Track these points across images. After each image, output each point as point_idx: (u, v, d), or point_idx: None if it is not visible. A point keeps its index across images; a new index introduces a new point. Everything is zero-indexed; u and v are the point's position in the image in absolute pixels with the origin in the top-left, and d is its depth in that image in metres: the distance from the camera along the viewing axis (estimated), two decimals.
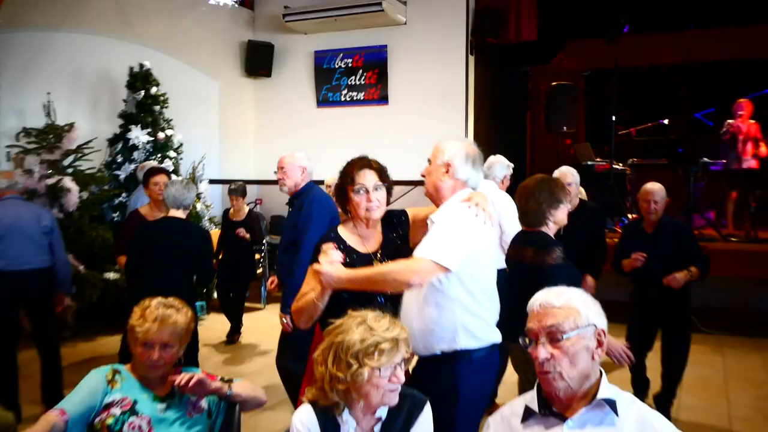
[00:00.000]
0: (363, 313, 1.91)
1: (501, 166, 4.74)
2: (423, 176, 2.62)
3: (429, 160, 2.59)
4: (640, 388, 4.52)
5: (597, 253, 4.69)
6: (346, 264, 2.35)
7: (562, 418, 1.69)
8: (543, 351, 1.68)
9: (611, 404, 1.67)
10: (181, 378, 2.16)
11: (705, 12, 9.35)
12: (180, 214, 4.22)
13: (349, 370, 1.82)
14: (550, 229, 3.25)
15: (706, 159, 7.46)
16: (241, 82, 9.63)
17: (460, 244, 2.32)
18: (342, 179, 2.59)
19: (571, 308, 1.71)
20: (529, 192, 3.22)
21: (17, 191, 4.62)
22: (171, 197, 4.18)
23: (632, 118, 9.63)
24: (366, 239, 2.56)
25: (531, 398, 1.79)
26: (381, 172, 2.58)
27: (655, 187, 4.40)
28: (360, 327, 1.85)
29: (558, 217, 3.24)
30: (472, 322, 2.39)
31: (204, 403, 2.30)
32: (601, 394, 1.68)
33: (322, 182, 5.50)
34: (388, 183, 2.59)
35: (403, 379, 1.89)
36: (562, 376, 1.66)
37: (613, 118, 7.53)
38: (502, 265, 3.52)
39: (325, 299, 2.34)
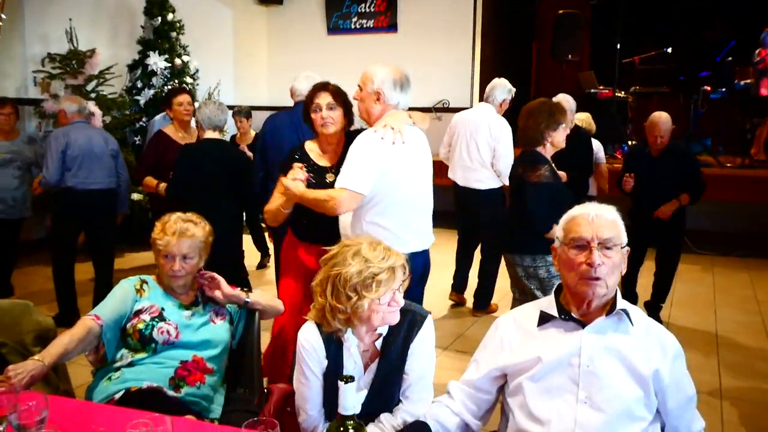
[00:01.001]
0: (357, 242, 1.85)
1: (501, 89, 4.65)
2: (356, 99, 2.75)
3: (359, 86, 2.70)
4: (629, 300, 4.56)
5: (584, 175, 4.88)
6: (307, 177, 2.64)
7: (582, 324, 1.72)
8: (598, 257, 1.69)
9: (627, 314, 1.72)
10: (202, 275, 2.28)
11: None
12: (216, 135, 4.00)
13: (349, 302, 1.79)
14: (547, 150, 3.28)
15: (706, 87, 7.27)
16: (253, 10, 9.35)
17: (369, 169, 2.52)
18: (305, 100, 2.84)
19: (617, 223, 1.75)
20: (530, 112, 3.27)
21: (84, 116, 4.64)
22: (206, 118, 3.95)
23: (637, 47, 9.35)
24: (325, 153, 2.80)
25: (547, 304, 1.80)
26: (336, 93, 2.77)
27: (661, 119, 4.32)
28: (356, 258, 1.79)
29: (556, 139, 3.27)
30: (380, 233, 2.52)
31: (226, 311, 2.34)
32: (619, 305, 1.73)
33: None
34: (345, 104, 2.77)
35: (402, 301, 1.86)
36: (606, 284, 1.70)
37: (618, 46, 7.31)
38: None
39: (289, 208, 2.66)
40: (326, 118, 2.73)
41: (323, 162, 2.80)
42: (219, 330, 2.28)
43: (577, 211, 1.78)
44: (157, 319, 2.20)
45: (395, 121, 2.59)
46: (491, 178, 4.60)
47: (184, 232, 2.24)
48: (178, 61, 6.97)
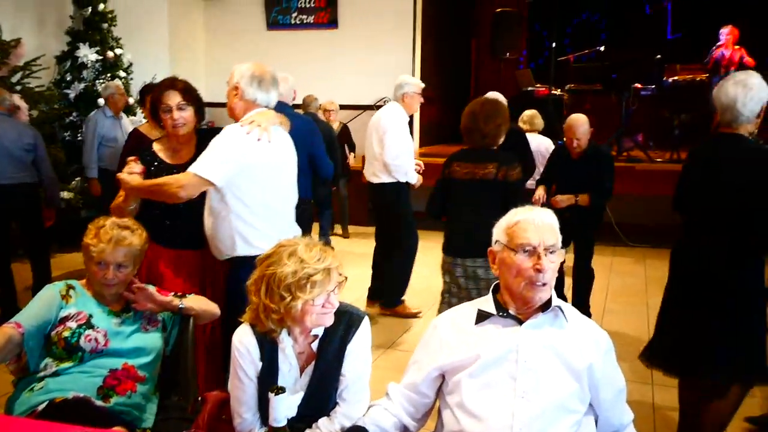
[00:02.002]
0: (294, 242, 1.82)
1: (400, 85, 4.64)
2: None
3: (228, 84, 2.71)
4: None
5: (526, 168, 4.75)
6: (150, 172, 2.63)
7: (519, 321, 1.76)
8: (546, 262, 1.72)
9: (562, 311, 1.78)
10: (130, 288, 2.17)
11: None
12: None
13: (283, 302, 1.76)
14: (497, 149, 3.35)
15: (638, 84, 7.52)
16: (190, 2, 9.10)
17: (226, 160, 2.48)
18: (152, 99, 2.77)
19: (556, 227, 1.79)
20: (487, 114, 3.28)
21: (5, 108, 4.41)
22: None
23: (572, 45, 9.59)
24: (176, 152, 2.74)
25: (484, 303, 1.83)
26: (186, 92, 2.71)
27: (577, 122, 4.31)
28: (291, 258, 1.77)
29: (502, 139, 3.36)
30: (249, 231, 2.55)
31: (159, 318, 2.25)
32: (554, 303, 1.78)
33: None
34: (196, 102, 2.72)
35: (336, 304, 1.85)
36: (550, 286, 1.75)
37: (553, 44, 7.46)
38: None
39: (131, 203, 2.62)
40: (177, 120, 2.67)
41: (176, 161, 2.74)
42: (151, 337, 2.20)
43: (520, 215, 1.80)
44: (84, 327, 2.10)
45: (263, 119, 2.60)
46: (382, 171, 4.62)
47: (120, 240, 2.14)
48: (110, 53, 6.72)
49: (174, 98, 2.66)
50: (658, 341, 2.89)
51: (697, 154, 2.86)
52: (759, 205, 2.51)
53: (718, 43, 7.49)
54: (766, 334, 2.63)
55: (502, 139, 3.36)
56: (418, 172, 4.82)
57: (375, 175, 4.69)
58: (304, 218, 4.44)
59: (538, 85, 8.11)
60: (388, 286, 4.83)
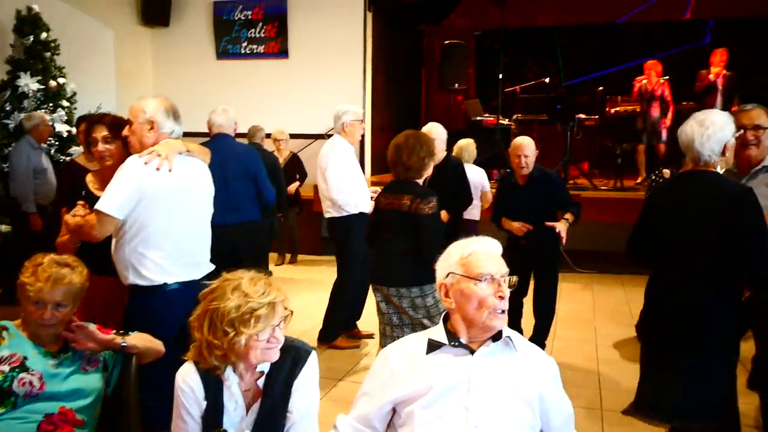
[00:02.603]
0: (237, 277, 1.80)
1: (339, 115, 4.61)
2: (125, 135, 2.73)
3: (130, 121, 2.71)
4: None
5: (462, 200, 4.77)
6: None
7: (471, 350, 1.77)
8: (506, 289, 1.76)
9: (511, 340, 1.81)
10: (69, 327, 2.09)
11: None
12: None
13: (226, 338, 1.72)
14: (421, 180, 3.41)
15: (582, 115, 7.77)
16: (137, 31, 9.00)
17: (124, 193, 2.51)
18: (84, 131, 2.92)
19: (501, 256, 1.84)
20: (410, 148, 3.31)
21: None
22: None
23: (518, 77, 9.86)
24: (105, 184, 2.68)
25: (435, 332, 1.84)
26: (113, 126, 2.78)
27: (524, 142, 4.29)
28: (235, 293, 1.74)
29: (429, 171, 3.43)
30: (140, 261, 2.57)
31: (99, 357, 2.17)
32: (505, 332, 1.80)
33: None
34: (123, 137, 2.74)
35: (281, 339, 1.82)
36: (506, 314, 1.78)
37: (500, 76, 7.66)
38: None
39: (75, 242, 2.68)
40: (103, 152, 2.77)
41: (101, 194, 2.73)
42: (90, 378, 2.11)
43: (471, 246, 1.83)
44: (17, 370, 2.00)
45: (164, 148, 2.61)
46: (330, 206, 4.58)
47: (60, 279, 2.05)
48: (52, 83, 6.56)
49: (100, 132, 2.76)
50: (645, 389, 2.75)
51: (661, 191, 2.83)
52: (741, 245, 2.45)
53: (640, 76, 7.82)
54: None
55: (427, 172, 3.39)
56: (373, 198, 4.82)
57: (326, 210, 4.67)
58: (253, 239, 4.49)
59: (486, 115, 8.29)
60: (327, 317, 4.74)
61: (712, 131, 2.51)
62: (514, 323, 4.48)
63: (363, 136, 8.73)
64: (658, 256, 2.70)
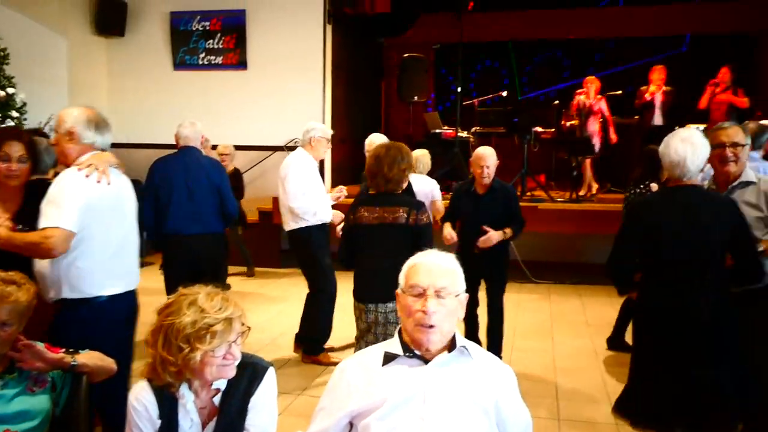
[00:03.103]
0: (194, 292, 1.77)
1: (306, 130, 4.65)
2: (53, 144, 2.73)
3: (56, 130, 2.69)
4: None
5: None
6: None
7: (425, 361, 1.77)
8: (433, 304, 1.73)
9: (467, 350, 1.81)
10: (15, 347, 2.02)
11: None
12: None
13: (180, 354, 1.70)
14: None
15: (538, 128, 7.91)
16: (91, 41, 8.81)
17: (75, 207, 2.49)
18: None
19: (455, 271, 1.81)
20: (392, 159, 3.30)
21: None
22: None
23: (476, 90, 10.01)
24: (3, 202, 2.66)
25: (391, 345, 1.83)
26: (30, 146, 2.69)
27: (487, 152, 4.37)
28: (191, 308, 1.72)
29: (406, 183, 3.43)
30: (78, 275, 2.54)
31: (47, 377, 2.10)
32: (459, 342, 1.80)
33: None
34: (35, 158, 2.72)
35: (238, 355, 1.80)
36: (441, 331, 1.75)
37: (459, 89, 7.75)
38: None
39: None
40: (14, 170, 2.64)
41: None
42: (38, 399, 2.04)
43: (418, 258, 1.84)
44: None
45: (100, 161, 2.62)
46: (292, 219, 4.58)
47: (5, 297, 1.99)
48: (1, 92, 6.37)
49: (16, 149, 2.63)
50: (637, 394, 2.82)
51: (656, 207, 2.84)
52: (743, 248, 2.68)
53: (580, 90, 8.05)
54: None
55: (405, 184, 3.41)
56: (339, 199, 4.80)
57: (286, 222, 4.64)
58: (215, 250, 4.47)
59: (445, 128, 8.36)
60: (309, 333, 4.72)
61: (699, 150, 2.69)
62: (472, 335, 4.56)
63: (326, 151, 8.75)
64: (660, 270, 2.74)
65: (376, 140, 4.77)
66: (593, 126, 7.90)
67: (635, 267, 2.81)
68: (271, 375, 1.90)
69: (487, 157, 4.33)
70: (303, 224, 4.55)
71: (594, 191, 8.03)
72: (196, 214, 4.25)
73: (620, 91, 8.43)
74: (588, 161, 8.02)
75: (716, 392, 2.63)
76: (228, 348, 1.75)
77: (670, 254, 2.69)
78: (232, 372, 1.79)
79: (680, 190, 2.74)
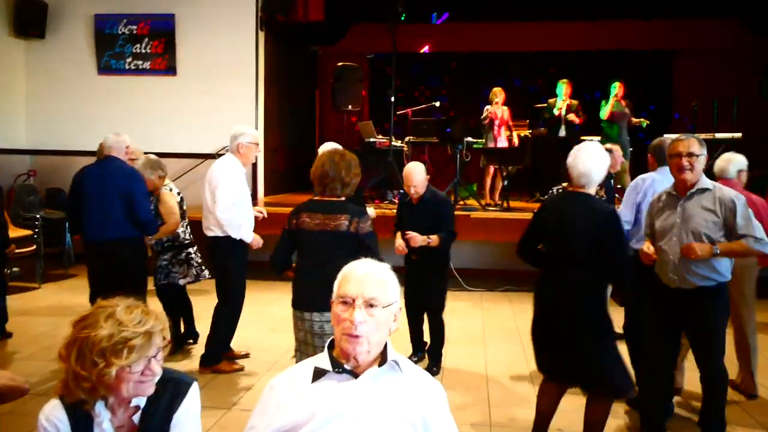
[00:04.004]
0: (113, 304, 1.69)
1: (236, 137, 4.57)
2: None
3: None
4: (418, 347, 4.84)
5: None
6: None
7: (355, 375, 1.74)
8: (360, 314, 1.69)
9: (398, 364, 1.78)
10: None
11: (474, 7, 10.10)
12: None
13: (95, 369, 1.61)
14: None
15: (470, 138, 8.05)
16: (8, 42, 8.39)
17: None
18: None
19: (388, 282, 1.78)
20: (348, 164, 3.35)
21: None
22: None
23: (410, 100, 10.10)
24: None
25: (321, 360, 1.79)
26: None
27: (412, 172, 4.48)
28: (108, 321, 1.63)
29: None
30: None
31: None
32: (390, 357, 1.77)
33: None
34: None
35: (158, 371, 1.72)
36: (368, 341, 1.72)
37: (392, 99, 7.80)
38: None
39: None
40: None
41: None
42: None
43: (350, 267, 1.81)
44: None
45: None
46: (215, 225, 4.50)
47: None
48: None
49: None
50: (537, 355, 3.35)
51: (550, 206, 3.39)
52: (608, 254, 3.06)
53: (495, 101, 8.29)
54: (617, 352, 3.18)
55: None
56: (258, 219, 4.75)
57: (210, 228, 4.54)
58: (131, 254, 4.46)
59: (379, 137, 8.39)
60: (212, 345, 4.62)
61: (603, 163, 3.18)
62: (417, 342, 4.79)
63: (256, 156, 8.63)
64: (546, 262, 3.29)
65: (328, 149, 4.75)
66: (498, 135, 8.16)
67: (537, 252, 3.35)
68: (194, 391, 1.82)
69: (412, 177, 4.49)
70: (225, 234, 4.49)
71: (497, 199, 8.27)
72: (110, 221, 4.38)
73: (544, 104, 8.71)
74: (492, 169, 8.25)
75: (578, 377, 3.19)
76: (147, 363, 1.67)
77: (549, 247, 3.26)
78: (150, 389, 1.70)
79: (572, 194, 3.22)
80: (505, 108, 8.27)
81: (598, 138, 8.24)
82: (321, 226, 3.24)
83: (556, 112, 8.12)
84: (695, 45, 10.43)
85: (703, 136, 8.21)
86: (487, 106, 8.26)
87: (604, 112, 8.10)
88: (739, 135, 8.19)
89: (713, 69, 10.19)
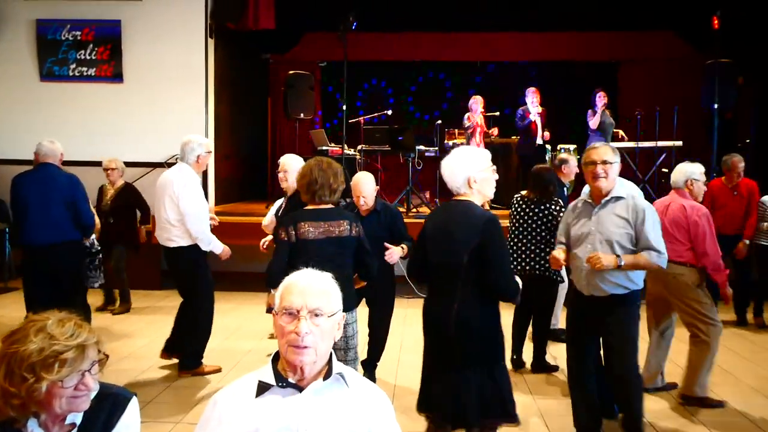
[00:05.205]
0: (44, 317, 1.63)
1: (192, 146, 4.54)
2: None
3: None
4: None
5: None
6: None
7: (300, 389, 1.71)
8: (306, 325, 1.67)
9: (343, 377, 1.76)
10: None
11: (426, 17, 10.20)
12: None
13: (24, 385, 1.54)
14: None
15: (422, 146, 8.10)
16: None
17: None
18: None
19: (330, 292, 1.76)
20: (335, 171, 3.45)
21: None
22: None
23: (362, 108, 10.12)
24: None
25: (264, 374, 1.75)
26: None
27: (361, 182, 4.34)
28: (39, 335, 1.57)
29: None
30: None
31: None
32: (335, 369, 1.76)
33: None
34: None
35: (93, 386, 1.65)
36: (315, 351, 1.69)
37: (344, 107, 7.79)
38: None
39: None
40: None
41: None
42: None
43: (292, 278, 1.78)
44: None
45: None
46: (179, 236, 4.49)
47: None
48: None
49: None
50: (424, 391, 3.03)
51: (432, 217, 3.12)
52: (487, 264, 2.77)
53: (469, 113, 8.40)
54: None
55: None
56: (212, 227, 4.71)
57: (170, 239, 4.49)
58: (71, 257, 4.61)
59: (332, 145, 8.37)
60: (189, 351, 4.66)
61: (456, 169, 2.90)
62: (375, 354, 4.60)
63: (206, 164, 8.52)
64: (429, 274, 3.00)
65: (291, 160, 4.81)
66: (476, 143, 8.22)
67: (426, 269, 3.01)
68: (134, 406, 1.77)
69: (362, 187, 4.30)
70: (189, 243, 4.50)
71: None
72: (51, 225, 4.52)
73: (498, 113, 8.86)
74: None
75: (462, 395, 2.80)
76: (80, 378, 1.60)
77: (432, 259, 2.95)
78: (85, 404, 1.64)
79: (451, 203, 2.98)
80: (484, 114, 8.31)
81: (573, 146, 8.40)
82: (326, 233, 3.34)
83: (533, 119, 8.13)
84: (638, 56, 10.78)
85: (645, 144, 8.60)
86: (468, 114, 8.30)
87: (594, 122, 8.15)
88: (679, 143, 8.50)
89: (656, 79, 10.55)
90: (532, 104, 8.19)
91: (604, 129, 8.19)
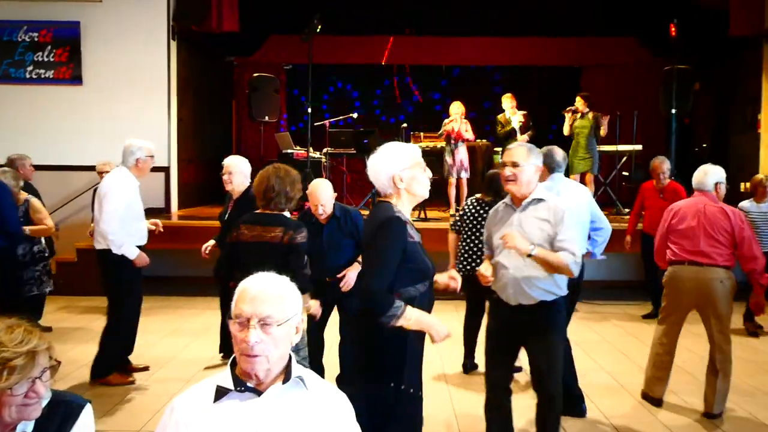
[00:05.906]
0: None
1: (131, 150, 4.46)
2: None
3: None
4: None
5: None
6: None
7: (258, 393, 1.69)
8: (255, 335, 1.64)
9: (302, 380, 1.75)
10: None
11: (391, 21, 10.28)
12: None
13: None
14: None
15: None
16: None
17: None
18: None
19: (284, 297, 1.72)
20: (292, 180, 3.47)
21: None
22: None
23: (328, 111, 10.11)
24: None
25: (223, 378, 1.73)
26: None
27: (320, 188, 4.13)
28: None
29: None
30: None
31: None
32: (294, 372, 1.74)
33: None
34: None
35: (44, 393, 1.62)
36: (268, 359, 1.67)
37: (309, 110, 7.78)
38: None
39: None
40: None
41: None
42: None
43: (245, 284, 1.75)
44: None
45: None
46: (103, 238, 4.44)
47: None
48: None
49: None
50: None
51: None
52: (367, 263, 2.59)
53: (449, 118, 8.39)
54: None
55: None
56: (154, 233, 4.68)
57: (97, 241, 4.46)
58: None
59: (297, 148, 8.35)
60: (104, 357, 4.52)
61: (379, 168, 2.54)
62: (316, 360, 4.38)
63: (169, 168, 8.42)
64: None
65: (236, 161, 4.75)
66: (463, 150, 8.04)
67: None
68: (87, 413, 1.73)
69: (319, 195, 4.09)
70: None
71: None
72: None
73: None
74: (451, 181, 8.12)
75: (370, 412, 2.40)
76: (31, 385, 1.57)
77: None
78: (36, 412, 1.61)
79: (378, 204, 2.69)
80: (465, 121, 8.02)
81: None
82: (257, 237, 3.39)
83: (516, 125, 8.07)
84: (600, 61, 11.00)
85: (606, 147, 8.74)
86: (446, 120, 8.11)
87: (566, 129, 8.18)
88: (639, 147, 8.69)
89: (616, 84, 10.77)
90: (512, 109, 8.18)
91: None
